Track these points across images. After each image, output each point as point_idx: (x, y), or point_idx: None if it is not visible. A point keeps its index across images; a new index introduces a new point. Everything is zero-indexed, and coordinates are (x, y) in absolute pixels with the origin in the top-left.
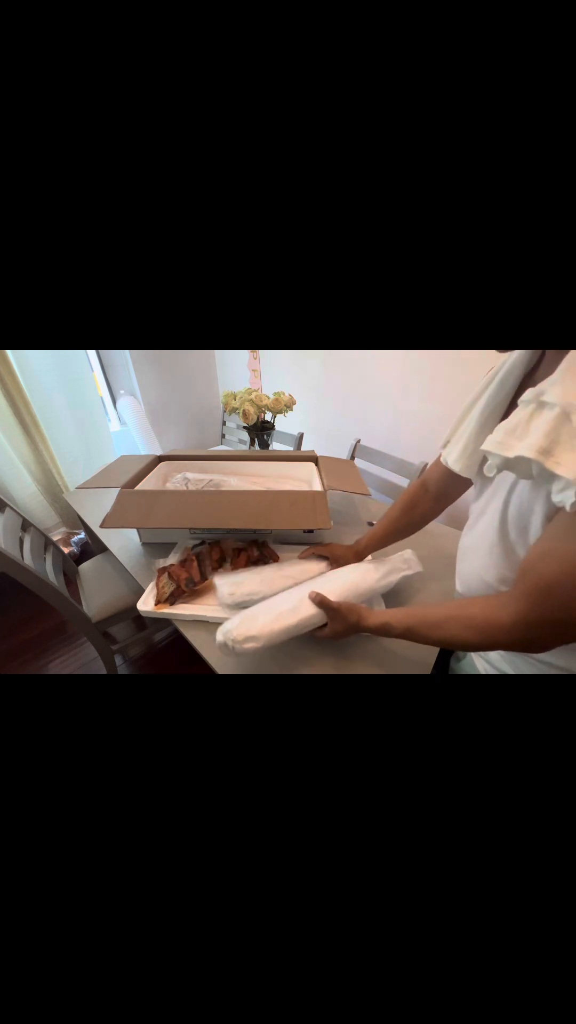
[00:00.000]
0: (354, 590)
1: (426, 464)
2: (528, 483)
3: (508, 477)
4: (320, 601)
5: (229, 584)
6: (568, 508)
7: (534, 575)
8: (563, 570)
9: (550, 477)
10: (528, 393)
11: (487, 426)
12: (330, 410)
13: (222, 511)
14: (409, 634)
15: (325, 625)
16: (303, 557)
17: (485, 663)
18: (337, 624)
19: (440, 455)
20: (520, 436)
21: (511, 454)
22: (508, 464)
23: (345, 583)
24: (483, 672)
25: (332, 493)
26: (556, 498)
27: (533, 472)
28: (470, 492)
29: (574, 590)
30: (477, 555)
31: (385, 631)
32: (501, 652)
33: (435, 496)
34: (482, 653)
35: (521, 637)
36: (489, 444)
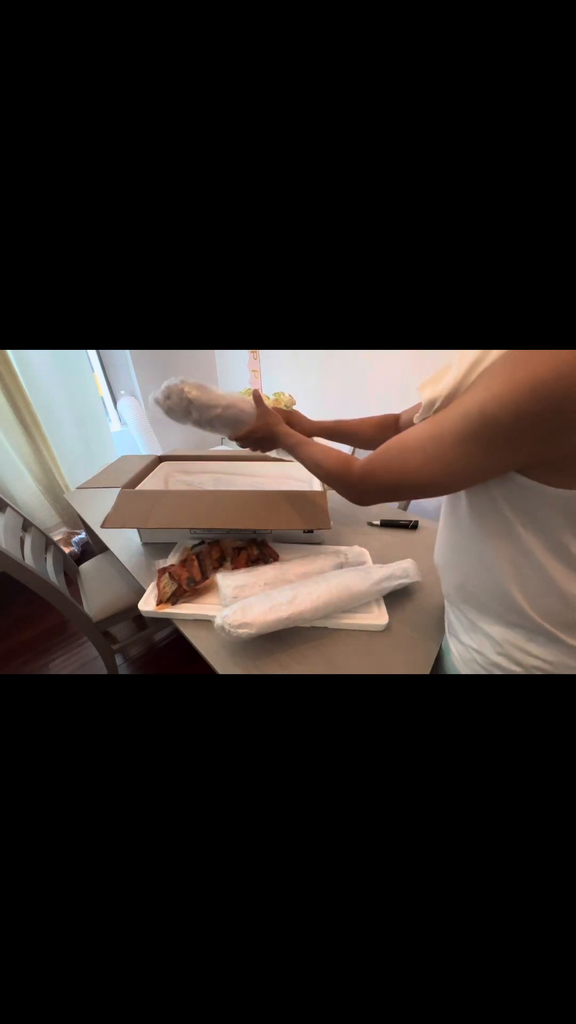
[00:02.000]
0: (348, 591)
1: None
2: None
3: None
4: (257, 396)
5: (232, 587)
6: (415, 421)
7: (383, 448)
8: (399, 444)
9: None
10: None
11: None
12: (330, 410)
13: (222, 511)
14: (297, 447)
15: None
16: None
17: (456, 641)
18: (260, 420)
19: (419, 404)
20: (425, 380)
21: (420, 393)
22: (424, 408)
23: (340, 583)
24: (454, 650)
25: (332, 493)
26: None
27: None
28: None
29: (396, 458)
30: (441, 526)
31: (285, 440)
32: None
33: (400, 431)
34: (469, 647)
35: (356, 479)
36: (422, 387)
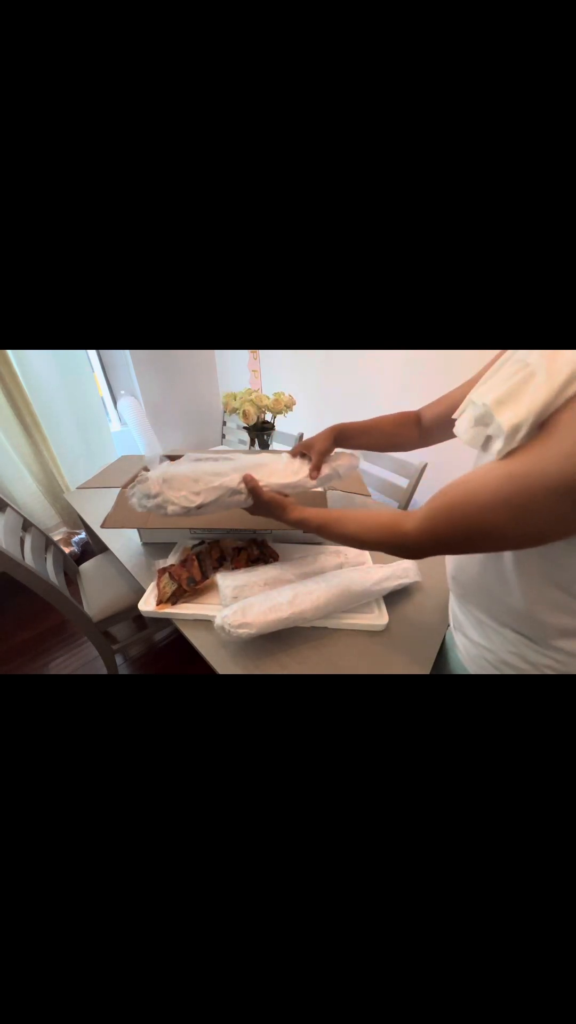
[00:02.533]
0: (348, 591)
1: (426, 464)
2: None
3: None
4: (252, 487)
5: (232, 587)
6: (493, 454)
7: (443, 497)
8: (466, 496)
9: (496, 430)
10: (518, 352)
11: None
12: (330, 410)
13: (220, 514)
14: (322, 529)
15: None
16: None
17: (463, 637)
18: (261, 512)
19: (441, 399)
20: (492, 387)
21: (480, 401)
22: (481, 418)
23: (340, 584)
24: (460, 646)
25: (332, 493)
26: (492, 452)
27: (490, 420)
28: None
29: (468, 515)
30: None
31: (303, 526)
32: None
33: (424, 430)
34: (465, 639)
35: (413, 543)
36: (474, 393)
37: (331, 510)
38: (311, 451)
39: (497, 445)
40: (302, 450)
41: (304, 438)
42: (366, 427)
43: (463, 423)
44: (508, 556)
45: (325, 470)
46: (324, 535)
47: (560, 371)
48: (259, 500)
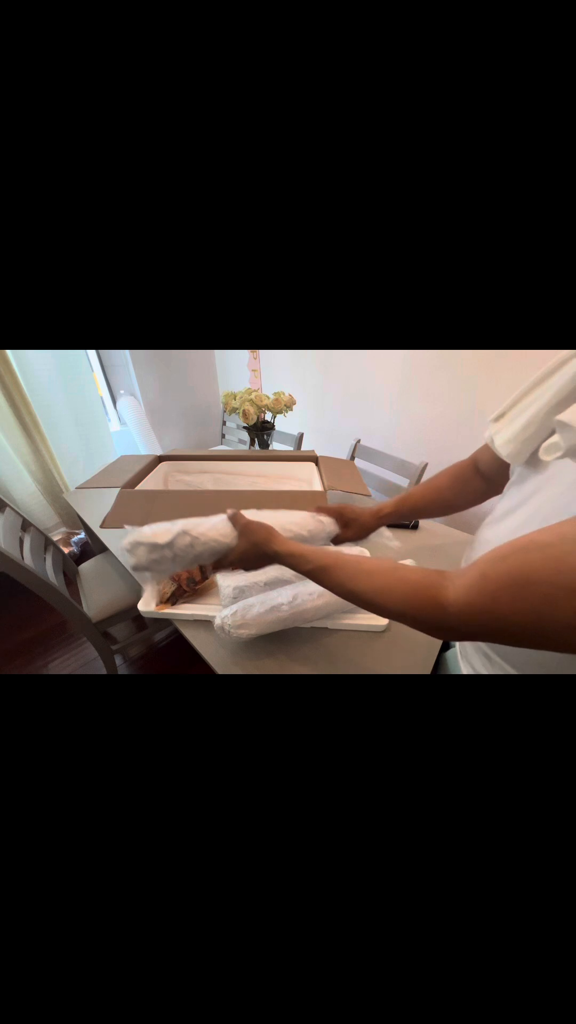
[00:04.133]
0: None
1: (426, 464)
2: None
3: (559, 473)
4: (232, 515)
5: (232, 587)
6: None
7: (513, 561)
8: (553, 571)
9: None
10: None
11: (560, 408)
12: (330, 410)
13: (222, 511)
14: (322, 573)
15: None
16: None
17: (468, 666)
18: (243, 541)
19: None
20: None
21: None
22: (572, 448)
23: None
24: (464, 671)
25: (332, 493)
26: None
27: None
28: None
29: (548, 595)
30: None
31: (294, 563)
32: (488, 646)
33: (487, 476)
34: (468, 647)
35: (456, 620)
36: (567, 415)
37: (339, 553)
38: (349, 522)
39: None
40: (337, 515)
41: (304, 437)
42: (418, 501)
43: (522, 443)
44: None
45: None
46: (323, 581)
47: None
48: (242, 526)
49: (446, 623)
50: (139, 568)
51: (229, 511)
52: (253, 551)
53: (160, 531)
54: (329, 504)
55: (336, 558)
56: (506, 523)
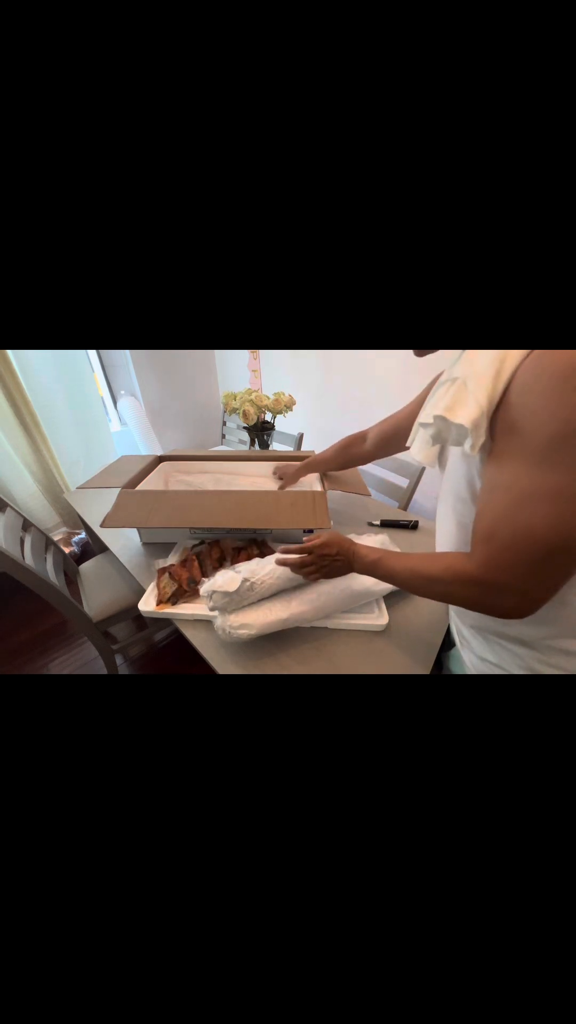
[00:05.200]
0: (348, 591)
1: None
2: (460, 458)
3: (454, 462)
4: (301, 550)
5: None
6: (467, 449)
7: (479, 531)
8: (494, 516)
9: (460, 434)
10: (444, 375)
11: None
12: (330, 410)
13: (222, 511)
14: (376, 566)
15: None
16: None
17: (471, 654)
18: (334, 547)
19: (387, 418)
20: (435, 405)
21: (430, 419)
22: (437, 434)
23: (340, 584)
24: (467, 662)
25: (332, 493)
26: (465, 449)
27: (447, 431)
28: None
29: (512, 531)
30: (442, 535)
31: (363, 559)
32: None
33: (370, 448)
34: (470, 642)
35: (485, 589)
36: (420, 417)
37: (388, 552)
38: (283, 481)
39: (466, 445)
40: (278, 476)
41: (304, 438)
42: (320, 460)
43: (418, 446)
44: None
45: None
46: (377, 571)
47: (484, 372)
48: (330, 534)
49: (477, 580)
50: (215, 608)
51: (279, 560)
52: (339, 545)
53: (228, 580)
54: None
55: (392, 552)
56: (438, 511)
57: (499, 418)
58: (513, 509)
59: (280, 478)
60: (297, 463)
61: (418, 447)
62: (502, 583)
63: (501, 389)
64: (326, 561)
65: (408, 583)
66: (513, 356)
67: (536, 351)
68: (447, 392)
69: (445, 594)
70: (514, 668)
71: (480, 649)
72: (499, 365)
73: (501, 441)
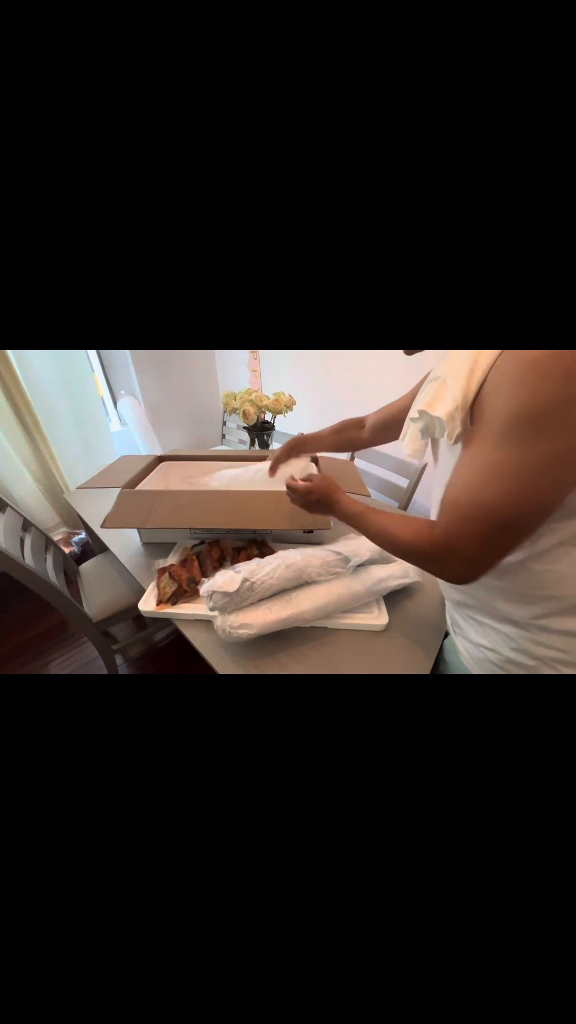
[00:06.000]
0: (347, 591)
1: (426, 464)
2: (447, 450)
3: (443, 455)
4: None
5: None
6: (447, 439)
7: (447, 497)
8: (461, 486)
9: (440, 426)
10: (430, 375)
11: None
12: (330, 410)
13: (222, 511)
14: (358, 519)
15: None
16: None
17: (464, 640)
18: (319, 488)
19: (382, 408)
20: (420, 402)
21: (415, 414)
22: (426, 428)
23: (340, 583)
24: (462, 649)
25: None
26: (446, 440)
27: (432, 424)
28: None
29: (465, 505)
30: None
31: (344, 507)
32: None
33: (367, 436)
34: (467, 641)
35: (440, 547)
36: (410, 413)
37: (371, 508)
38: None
39: (445, 435)
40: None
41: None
42: (317, 436)
43: (408, 440)
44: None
45: (281, 472)
46: (358, 523)
47: (460, 370)
48: (319, 476)
49: (436, 550)
50: (215, 608)
51: (290, 480)
52: (321, 491)
53: (228, 580)
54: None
55: (372, 508)
56: (433, 491)
57: (475, 409)
58: (472, 484)
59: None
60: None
61: (407, 441)
62: (457, 550)
63: (476, 385)
64: (309, 499)
65: (377, 540)
66: (486, 355)
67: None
68: (430, 390)
69: (407, 555)
70: (506, 650)
71: (473, 635)
72: (472, 364)
73: (473, 427)
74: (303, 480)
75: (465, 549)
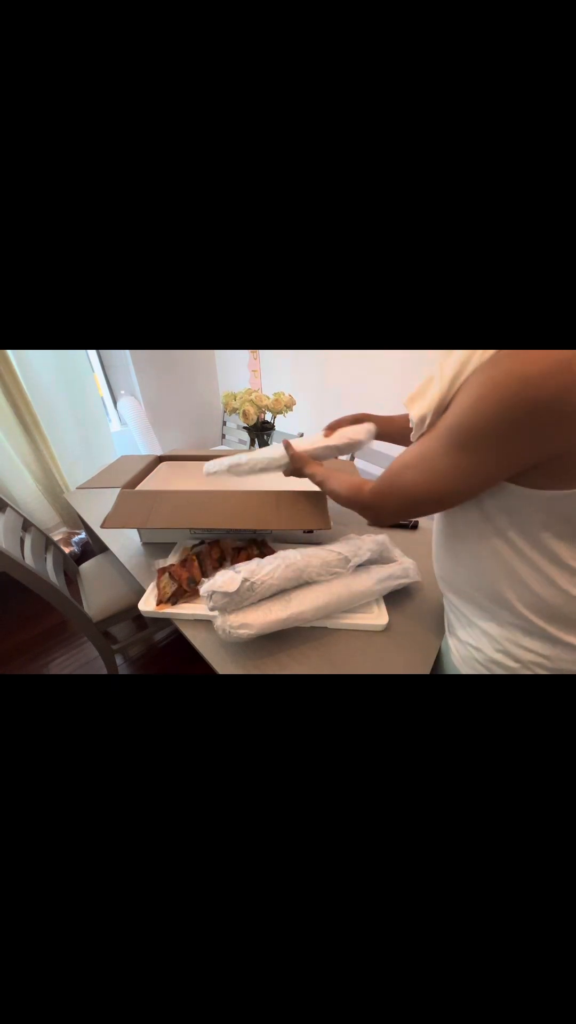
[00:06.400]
0: (348, 591)
1: None
2: None
3: None
4: (284, 443)
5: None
6: (412, 436)
7: (392, 464)
8: (399, 462)
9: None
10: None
11: None
12: (330, 410)
13: (223, 511)
14: (322, 484)
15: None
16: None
17: (455, 640)
18: (290, 464)
19: None
20: (409, 393)
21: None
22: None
23: (340, 583)
24: (452, 648)
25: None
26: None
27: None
28: None
29: (395, 477)
30: (435, 529)
31: (312, 478)
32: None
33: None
34: (463, 643)
35: (369, 502)
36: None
37: (330, 472)
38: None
39: (413, 432)
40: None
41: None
42: (386, 420)
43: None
44: (470, 536)
45: (340, 439)
46: (323, 487)
47: (448, 370)
48: (291, 451)
49: (365, 504)
50: (215, 608)
51: (285, 443)
52: (297, 473)
53: (228, 580)
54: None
55: (329, 473)
56: None
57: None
58: (402, 463)
59: (331, 430)
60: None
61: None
62: (373, 507)
63: (455, 391)
64: (292, 466)
65: (329, 495)
66: (476, 359)
67: (500, 353)
68: (421, 383)
69: (346, 504)
70: (489, 650)
71: (462, 633)
72: (460, 368)
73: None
74: (343, 443)
75: (383, 510)
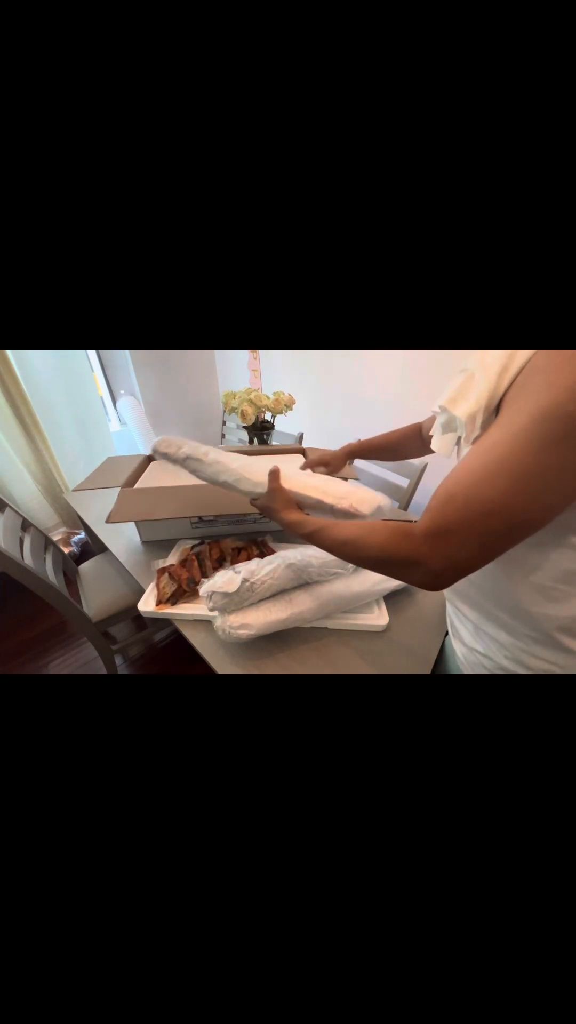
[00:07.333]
0: (348, 591)
1: (426, 464)
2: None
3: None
4: (273, 472)
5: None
6: (464, 442)
7: (439, 491)
8: (457, 479)
9: (460, 425)
10: (462, 364)
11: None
12: (330, 410)
13: (226, 502)
14: (317, 535)
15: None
16: (304, 468)
17: (461, 645)
18: (266, 499)
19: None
20: (443, 395)
21: (438, 408)
22: (447, 423)
23: (340, 584)
24: (459, 653)
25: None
26: (464, 440)
27: (452, 421)
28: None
29: (467, 500)
30: None
31: (296, 528)
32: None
33: (425, 440)
34: (462, 641)
35: (426, 549)
36: (436, 405)
37: (327, 522)
38: (327, 468)
39: (463, 436)
40: (315, 465)
41: (304, 437)
42: (377, 445)
43: (435, 437)
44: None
45: (340, 500)
46: (315, 541)
47: (492, 366)
48: (271, 489)
49: (419, 554)
50: (215, 609)
51: (274, 470)
52: (270, 513)
53: (228, 581)
54: (311, 458)
55: (324, 523)
56: None
57: (501, 406)
58: (474, 478)
59: (318, 465)
60: (323, 450)
61: (435, 438)
62: (440, 548)
63: (506, 384)
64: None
65: (341, 551)
66: (522, 354)
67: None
68: (456, 384)
69: (379, 562)
70: (500, 658)
71: (468, 639)
72: (507, 360)
73: (496, 419)
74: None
75: (450, 547)
